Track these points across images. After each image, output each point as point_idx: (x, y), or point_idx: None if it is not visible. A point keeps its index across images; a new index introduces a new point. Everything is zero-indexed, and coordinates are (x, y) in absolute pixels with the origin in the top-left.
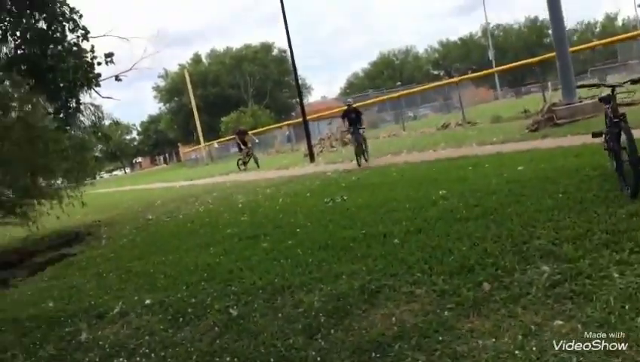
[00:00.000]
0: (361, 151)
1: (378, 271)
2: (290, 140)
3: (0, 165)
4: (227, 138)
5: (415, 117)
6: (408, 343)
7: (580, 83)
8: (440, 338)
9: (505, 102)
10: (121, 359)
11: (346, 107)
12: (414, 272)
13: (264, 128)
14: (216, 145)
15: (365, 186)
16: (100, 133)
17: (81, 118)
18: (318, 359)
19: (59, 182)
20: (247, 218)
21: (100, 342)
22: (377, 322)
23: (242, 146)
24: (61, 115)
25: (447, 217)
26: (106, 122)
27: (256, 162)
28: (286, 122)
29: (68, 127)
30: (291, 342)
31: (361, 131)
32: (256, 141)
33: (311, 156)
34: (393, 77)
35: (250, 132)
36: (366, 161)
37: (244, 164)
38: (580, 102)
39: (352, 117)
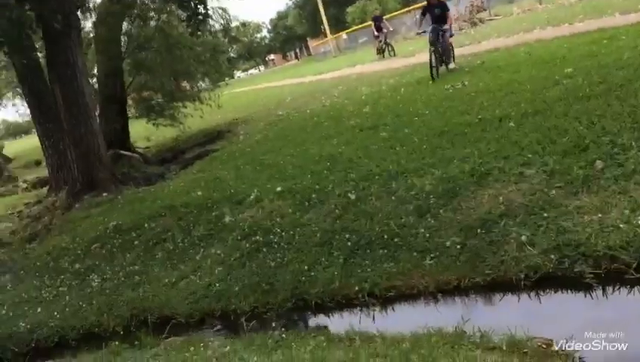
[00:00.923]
0: (438, 60)
1: (489, 154)
2: (419, 25)
3: (146, 72)
4: (354, 28)
5: None
6: (514, 220)
7: None
8: (545, 215)
9: None
10: (257, 236)
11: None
12: (526, 154)
13: (392, 14)
14: (344, 37)
15: (489, 70)
16: (229, 36)
17: (211, 23)
18: (427, 235)
19: (199, 84)
20: (369, 109)
21: (240, 224)
22: (484, 202)
23: (377, 33)
24: (192, 22)
25: (567, 97)
26: (235, 24)
27: (392, 51)
28: (414, 5)
29: (199, 33)
30: (403, 221)
31: (443, 33)
32: (390, 29)
33: None
34: None
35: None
36: (447, 69)
37: (381, 52)
38: None
39: (436, 13)
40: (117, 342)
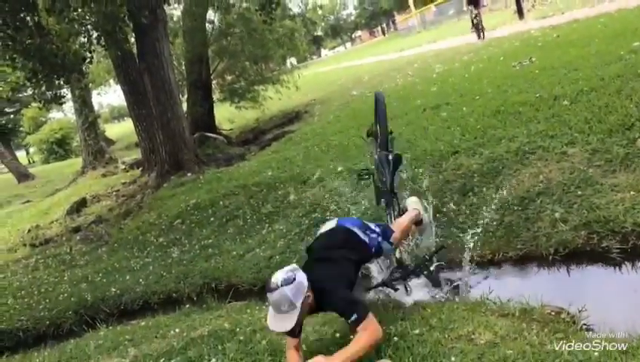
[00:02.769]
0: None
1: (537, 133)
2: None
3: (229, 58)
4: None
5: None
6: (550, 198)
7: None
8: (580, 192)
9: None
10: (316, 214)
11: None
12: (572, 132)
13: None
14: (433, 9)
15: (560, 45)
16: (307, 19)
17: (289, 6)
18: (467, 212)
19: (279, 67)
20: (436, 88)
21: (303, 202)
22: (525, 180)
23: (467, 7)
24: (265, 9)
25: (626, 73)
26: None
27: (481, 32)
28: None
29: (273, 19)
30: (447, 199)
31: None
32: (485, 3)
33: (519, 13)
34: None
35: None
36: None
37: (476, 28)
38: None
39: None
40: (188, 306)
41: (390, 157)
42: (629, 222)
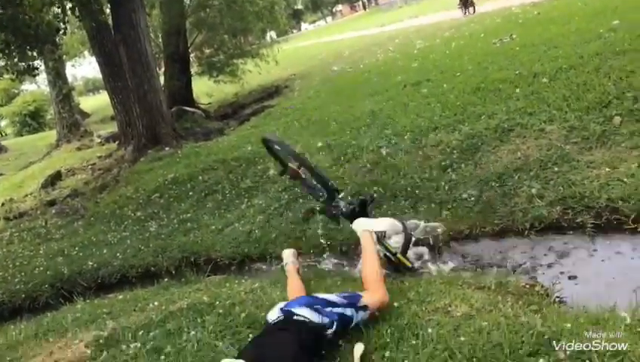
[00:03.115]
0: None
1: (516, 110)
2: None
3: (208, 30)
4: None
5: None
6: (527, 174)
7: None
8: (557, 169)
9: None
10: (296, 188)
11: None
12: (550, 110)
13: None
14: None
15: (541, 22)
16: None
17: None
18: (447, 188)
19: (258, 41)
20: (417, 64)
21: (282, 177)
22: (503, 157)
23: None
24: None
25: (605, 51)
26: None
27: (472, 7)
28: None
29: None
30: (427, 175)
31: None
32: None
33: None
34: None
35: None
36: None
37: (464, 4)
38: None
39: None
40: (167, 279)
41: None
42: (603, 198)
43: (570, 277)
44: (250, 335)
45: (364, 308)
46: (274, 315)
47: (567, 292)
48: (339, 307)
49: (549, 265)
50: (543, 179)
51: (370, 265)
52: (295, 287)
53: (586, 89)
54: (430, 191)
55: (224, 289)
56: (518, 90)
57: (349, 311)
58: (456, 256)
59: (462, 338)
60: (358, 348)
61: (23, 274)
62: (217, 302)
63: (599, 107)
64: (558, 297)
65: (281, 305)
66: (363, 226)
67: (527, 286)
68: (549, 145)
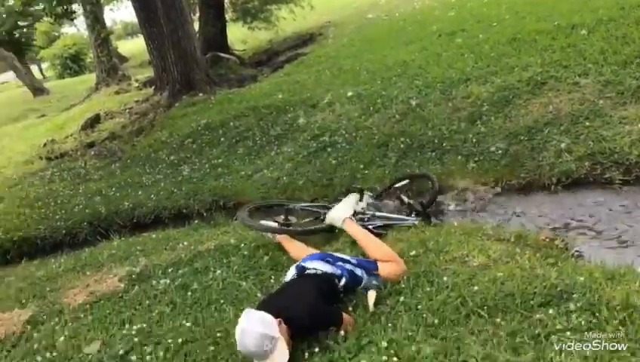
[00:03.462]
0: None
1: (551, 63)
2: None
3: None
4: None
5: None
6: (557, 128)
7: None
8: (588, 124)
9: None
10: (325, 137)
11: None
12: (586, 63)
13: None
14: None
15: None
16: None
17: None
18: (474, 140)
19: None
20: (454, 13)
21: (312, 125)
22: (534, 110)
23: None
24: None
25: None
26: None
27: None
28: None
29: None
30: (455, 127)
31: None
32: None
33: None
34: None
35: None
36: None
37: None
38: None
39: None
40: (197, 221)
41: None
42: (634, 154)
43: (592, 233)
44: (273, 277)
45: (377, 276)
46: (290, 274)
47: (587, 248)
48: (350, 264)
49: (572, 220)
50: (574, 133)
51: (372, 246)
52: (299, 247)
53: (625, 42)
54: (457, 143)
55: (250, 232)
56: (554, 42)
57: (359, 271)
58: (479, 208)
59: (475, 287)
60: (372, 294)
61: (63, 211)
62: (243, 245)
63: (637, 61)
64: (577, 251)
65: (296, 264)
66: (339, 217)
67: (547, 239)
68: (582, 100)
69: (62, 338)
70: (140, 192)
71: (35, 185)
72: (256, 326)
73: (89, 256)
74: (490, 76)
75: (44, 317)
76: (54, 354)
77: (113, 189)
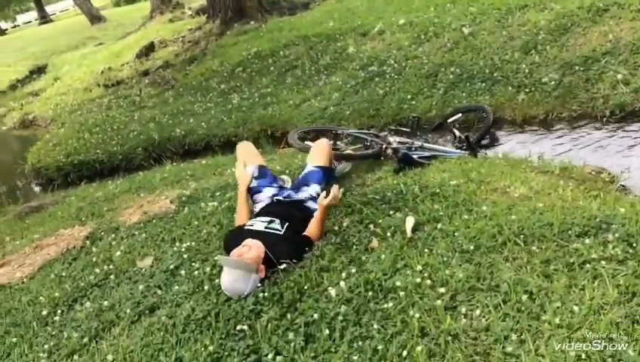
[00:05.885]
0: None
1: None
2: None
3: None
4: None
5: None
6: (615, 58)
7: None
8: None
9: None
10: (373, 67)
11: None
12: None
13: None
14: None
15: None
16: None
17: None
18: (527, 71)
19: None
20: None
21: (361, 55)
22: (593, 39)
23: None
24: None
25: None
26: None
27: None
28: None
29: None
30: (508, 56)
31: None
32: None
33: None
34: None
35: None
36: None
37: None
38: None
39: None
40: None
41: None
42: None
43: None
44: None
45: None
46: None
47: (634, 182)
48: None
49: (622, 153)
50: (632, 65)
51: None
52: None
53: None
54: (509, 73)
55: (296, 160)
56: None
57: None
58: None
59: (514, 216)
60: (410, 220)
61: (119, 137)
62: (287, 171)
63: None
64: (622, 186)
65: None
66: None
67: (593, 172)
68: None
69: (118, 252)
70: (191, 120)
71: (94, 112)
72: (238, 284)
73: (143, 179)
74: (549, 2)
75: (102, 233)
76: (111, 266)
77: (166, 117)
